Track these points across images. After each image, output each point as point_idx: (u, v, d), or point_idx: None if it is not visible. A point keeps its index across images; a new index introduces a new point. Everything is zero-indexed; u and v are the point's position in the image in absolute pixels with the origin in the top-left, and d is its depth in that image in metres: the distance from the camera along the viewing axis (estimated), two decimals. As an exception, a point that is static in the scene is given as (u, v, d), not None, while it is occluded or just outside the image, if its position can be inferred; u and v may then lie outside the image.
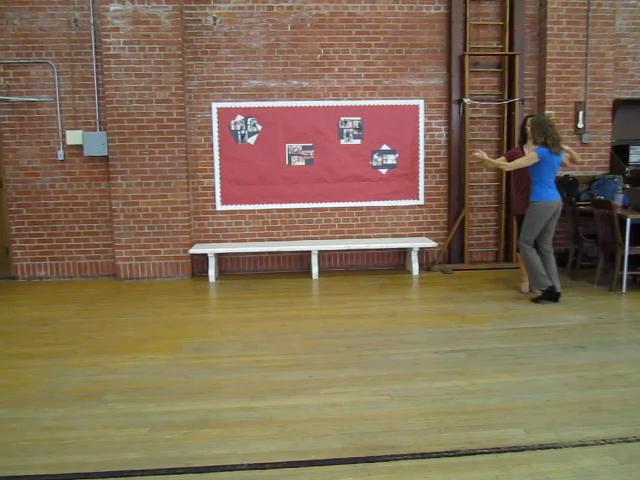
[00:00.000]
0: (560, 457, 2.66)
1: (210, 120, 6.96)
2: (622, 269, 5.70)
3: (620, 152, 7.19)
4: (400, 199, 7.24)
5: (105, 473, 2.59)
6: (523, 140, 5.74)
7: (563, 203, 6.54)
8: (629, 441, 2.79)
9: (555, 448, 2.73)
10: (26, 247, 6.98)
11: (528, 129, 5.56)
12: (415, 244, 6.91)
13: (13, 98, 6.76)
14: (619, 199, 6.13)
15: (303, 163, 7.07)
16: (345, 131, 7.08)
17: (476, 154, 5.58)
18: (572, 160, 5.45)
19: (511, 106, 7.04)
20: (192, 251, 6.80)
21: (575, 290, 5.92)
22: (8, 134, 6.83)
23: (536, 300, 5.45)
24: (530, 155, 5.26)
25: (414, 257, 6.90)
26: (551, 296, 5.39)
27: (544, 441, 2.79)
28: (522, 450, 2.72)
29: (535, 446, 2.75)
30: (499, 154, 7.19)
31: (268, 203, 7.13)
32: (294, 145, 7.02)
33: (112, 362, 4.05)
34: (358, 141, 7.10)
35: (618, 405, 3.20)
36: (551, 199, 5.28)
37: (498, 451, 2.71)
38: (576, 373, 3.68)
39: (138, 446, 2.83)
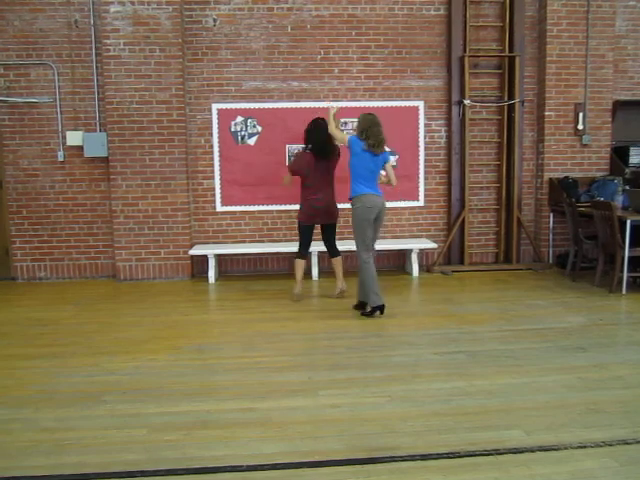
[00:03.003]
0: (560, 459, 2.65)
1: (210, 121, 6.97)
2: (622, 271, 5.70)
3: (620, 153, 7.19)
4: (400, 200, 7.24)
5: (104, 474, 2.59)
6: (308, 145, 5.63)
7: (563, 204, 6.60)
8: (629, 443, 2.78)
9: (555, 450, 2.73)
10: (26, 248, 6.98)
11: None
12: (415, 245, 6.91)
13: (13, 99, 6.77)
14: (619, 200, 6.12)
15: (384, 173, 7.01)
16: (345, 132, 7.05)
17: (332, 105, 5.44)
18: (388, 182, 5.20)
19: (511, 107, 7.04)
20: (192, 252, 6.80)
21: (575, 291, 5.92)
22: (8, 135, 6.83)
23: (365, 314, 5.11)
24: (344, 135, 5.27)
25: (414, 258, 6.90)
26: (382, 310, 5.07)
27: (544, 443, 2.79)
28: (522, 452, 2.71)
29: (535, 448, 2.74)
30: (499, 155, 7.22)
31: (268, 204, 7.13)
32: (294, 146, 7.02)
33: (112, 363, 4.05)
34: (358, 142, 7.09)
35: (618, 407, 3.20)
36: (368, 193, 4.97)
37: (498, 453, 2.70)
38: (576, 375, 3.68)
39: (137, 447, 2.82)
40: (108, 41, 6.55)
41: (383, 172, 5.18)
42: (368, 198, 4.96)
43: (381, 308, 5.06)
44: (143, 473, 2.59)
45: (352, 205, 5.05)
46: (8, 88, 6.77)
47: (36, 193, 6.91)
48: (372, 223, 5.01)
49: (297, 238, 7.15)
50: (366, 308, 5.14)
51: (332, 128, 5.34)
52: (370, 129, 4.93)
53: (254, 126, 6.97)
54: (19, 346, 4.49)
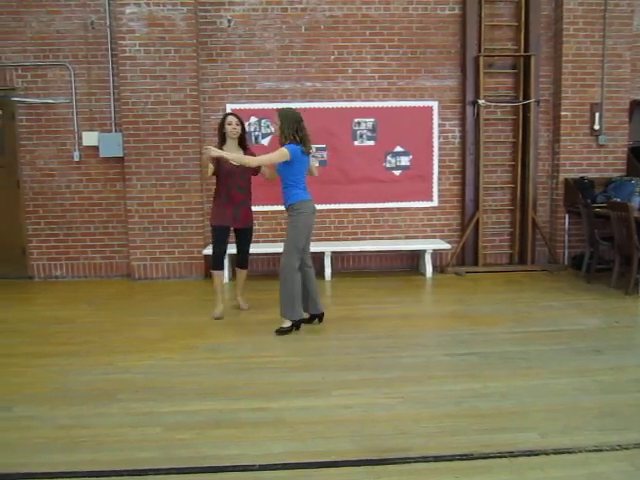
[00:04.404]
0: (575, 462, 2.63)
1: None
2: (639, 272, 5.63)
3: (637, 154, 7.10)
4: (413, 201, 7.21)
5: (118, 471, 2.61)
6: (222, 141, 5.06)
7: (579, 205, 6.53)
8: (645, 447, 2.75)
9: (570, 453, 2.70)
10: (42, 247, 7.06)
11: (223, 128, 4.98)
12: (428, 246, 6.88)
13: (30, 100, 6.85)
14: (636, 201, 6.05)
15: (316, 164, 7.03)
16: (359, 132, 7.07)
17: (210, 153, 4.58)
18: (310, 172, 4.89)
19: (526, 107, 6.99)
20: (206, 252, 6.82)
21: (591, 293, 5.86)
22: (25, 135, 6.92)
23: (282, 331, 4.66)
24: (282, 151, 4.50)
25: (428, 259, 6.86)
26: (299, 325, 4.74)
27: (559, 446, 2.76)
28: (536, 454, 2.69)
29: (549, 450, 2.72)
30: (513, 155, 7.17)
31: (281, 204, 7.11)
32: (307, 146, 7.02)
33: (126, 361, 4.08)
34: (372, 142, 7.09)
35: (634, 410, 3.16)
36: (308, 199, 4.68)
37: (512, 455, 2.68)
38: (591, 377, 3.64)
39: (151, 445, 2.84)
40: (124, 42, 6.60)
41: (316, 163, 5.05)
42: (310, 204, 4.68)
43: (299, 324, 4.75)
44: (156, 471, 2.61)
45: (295, 211, 4.64)
46: (25, 89, 6.86)
47: (52, 193, 6.99)
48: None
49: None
50: (284, 323, 4.69)
51: (250, 160, 4.72)
52: (300, 127, 4.56)
53: (268, 126, 6.98)
54: (35, 344, 4.55)
